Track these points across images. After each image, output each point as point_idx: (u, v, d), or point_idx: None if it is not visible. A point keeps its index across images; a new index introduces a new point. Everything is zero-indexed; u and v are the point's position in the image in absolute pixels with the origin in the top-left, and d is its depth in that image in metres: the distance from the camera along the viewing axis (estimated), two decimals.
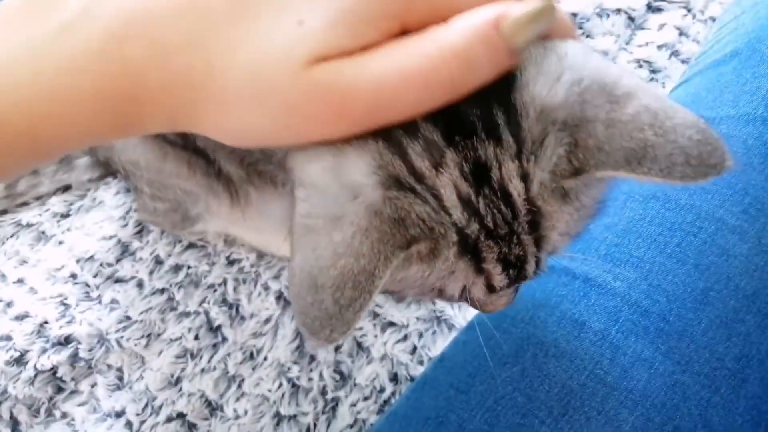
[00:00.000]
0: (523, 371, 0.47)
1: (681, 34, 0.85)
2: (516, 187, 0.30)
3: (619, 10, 0.88)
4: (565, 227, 0.32)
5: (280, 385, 0.71)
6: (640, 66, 0.85)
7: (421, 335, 0.70)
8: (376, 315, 0.72)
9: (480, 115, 0.30)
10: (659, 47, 0.85)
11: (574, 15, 0.89)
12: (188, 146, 0.64)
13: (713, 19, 0.81)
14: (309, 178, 0.30)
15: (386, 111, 0.27)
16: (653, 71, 0.85)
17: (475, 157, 0.30)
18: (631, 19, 0.87)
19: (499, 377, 0.47)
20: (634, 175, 0.28)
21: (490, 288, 0.34)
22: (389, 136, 0.29)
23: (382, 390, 0.70)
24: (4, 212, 0.82)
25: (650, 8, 0.87)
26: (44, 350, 0.74)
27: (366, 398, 0.70)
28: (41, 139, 0.29)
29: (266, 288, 0.75)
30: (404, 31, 0.28)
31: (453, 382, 0.50)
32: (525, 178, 0.30)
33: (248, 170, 0.64)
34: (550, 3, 0.28)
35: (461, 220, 0.30)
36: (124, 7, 0.28)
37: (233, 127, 0.28)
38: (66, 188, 0.84)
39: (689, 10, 0.84)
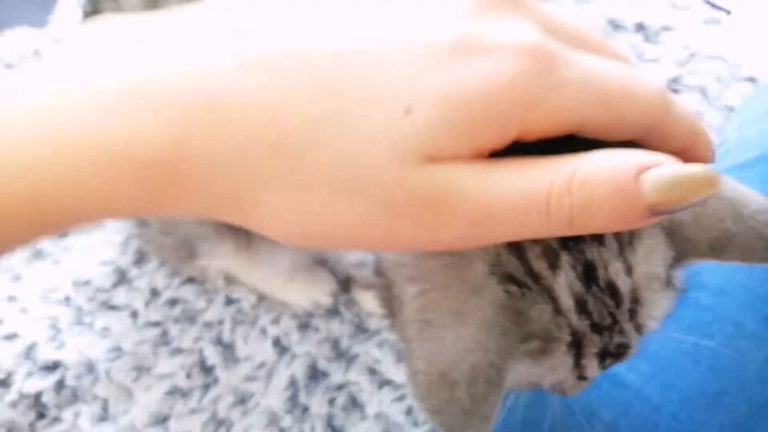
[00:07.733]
0: None
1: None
2: (623, 282, 0.31)
3: None
4: (662, 313, 0.34)
5: None
6: None
7: None
8: (374, 371, 0.71)
9: None
10: None
11: None
12: None
13: (730, 109, 0.83)
14: (427, 274, 0.30)
15: (493, 229, 0.23)
16: None
17: (585, 259, 0.31)
18: None
19: None
20: (718, 260, 0.31)
21: (581, 378, 0.35)
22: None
23: None
24: None
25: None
26: (30, 374, 0.72)
27: None
28: (46, 209, 0.23)
29: (263, 332, 0.74)
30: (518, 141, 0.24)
31: None
32: (629, 271, 0.31)
33: None
34: (715, 176, 0.23)
35: (576, 322, 0.31)
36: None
37: (299, 219, 0.23)
38: None
39: (704, 95, 0.86)
